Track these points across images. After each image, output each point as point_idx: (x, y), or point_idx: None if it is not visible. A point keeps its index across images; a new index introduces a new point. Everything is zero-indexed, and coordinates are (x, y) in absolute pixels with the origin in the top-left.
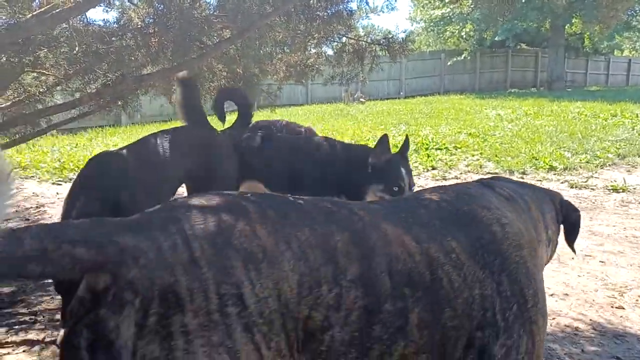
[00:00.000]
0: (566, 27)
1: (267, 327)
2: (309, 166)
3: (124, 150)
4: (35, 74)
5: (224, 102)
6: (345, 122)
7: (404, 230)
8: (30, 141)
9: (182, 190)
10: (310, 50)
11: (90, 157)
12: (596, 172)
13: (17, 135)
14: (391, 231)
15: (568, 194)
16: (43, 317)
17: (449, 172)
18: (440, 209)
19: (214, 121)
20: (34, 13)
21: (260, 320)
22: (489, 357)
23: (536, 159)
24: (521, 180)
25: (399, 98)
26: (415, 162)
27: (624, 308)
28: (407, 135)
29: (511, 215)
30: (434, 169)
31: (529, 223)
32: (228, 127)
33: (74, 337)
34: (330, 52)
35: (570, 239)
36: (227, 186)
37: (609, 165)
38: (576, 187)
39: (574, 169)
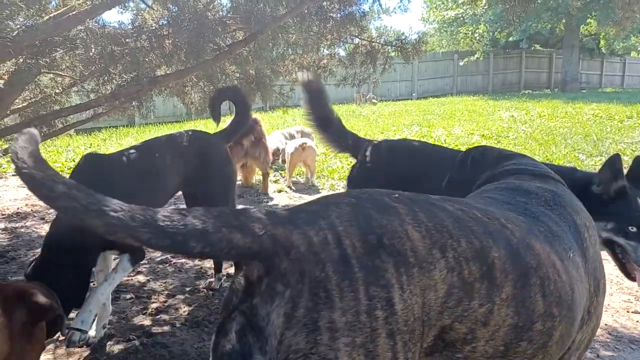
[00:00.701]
0: (581, 28)
1: (408, 336)
2: None
3: (115, 156)
4: (51, 75)
5: (222, 102)
6: (357, 123)
7: (550, 248)
8: (46, 141)
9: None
10: (323, 51)
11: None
12: None
13: None
14: (541, 249)
15: None
16: None
17: None
18: (555, 217)
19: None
20: (51, 15)
21: (404, 328)
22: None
23: (550, 161)
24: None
25: (411, 99)
26: None
27: (639, 313)
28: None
29: (585, 213)
30: None
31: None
32: (223, 129)
33: (227, 322)
34: (342, 53)
35: None
36: (228, 191)
37: (624, 167)
38: None
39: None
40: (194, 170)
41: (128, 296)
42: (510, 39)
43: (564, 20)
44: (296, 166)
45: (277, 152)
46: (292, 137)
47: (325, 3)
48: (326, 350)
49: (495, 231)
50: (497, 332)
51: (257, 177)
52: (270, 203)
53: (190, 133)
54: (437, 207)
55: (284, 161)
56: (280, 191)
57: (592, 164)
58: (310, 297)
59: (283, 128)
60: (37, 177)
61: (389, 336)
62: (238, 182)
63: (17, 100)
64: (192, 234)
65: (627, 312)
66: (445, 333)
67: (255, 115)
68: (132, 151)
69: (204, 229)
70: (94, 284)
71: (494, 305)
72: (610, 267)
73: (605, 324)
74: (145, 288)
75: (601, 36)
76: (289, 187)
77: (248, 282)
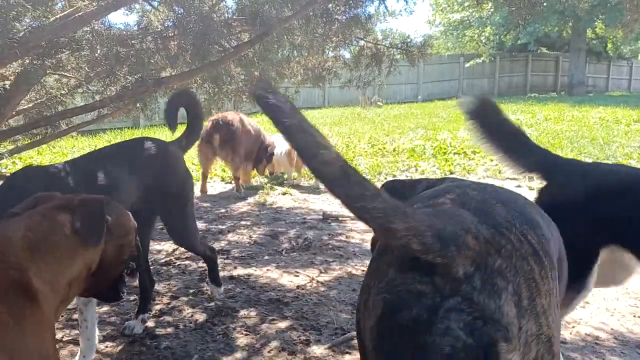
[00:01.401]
0: (588, 31)
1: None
2: None
3: (54, 169)
4: (57, 76)
5: (179, 108)
6: (362, 125)
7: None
8: (51, 142)
9: None
10: (328, 53)
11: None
12: None
13: (38, 136)
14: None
15: None
16: (62, 316)
17: (468, 177)
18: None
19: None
20: (57, 16)
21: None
22: None
23: None
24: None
25: (416, 102)
26: (433, 166)
27: None
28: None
29: None
30: (452, 173)
31: None
32: (178, 138)
33: (431, 322)
34: (347, 55)
35: None
36: (186, 206)
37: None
38: None
39: None
40: (148, 185)
41: (132, 298)
42: (518, 42)
43: (570, 23)
44: (292, 169)
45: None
46: None
47: (330, 5)
48: (547, 330)
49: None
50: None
51: (261, 178)
52: (275, 206)
53: (143, 142)
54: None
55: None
56: (284, 194)
57: None
58: (527, 288)
59: None
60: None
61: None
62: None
63: (22, 101)
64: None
65: (634, 316)
66: None
67: (234, 115)
68: (75, 163)
69: (406, 223)
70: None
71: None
72: None
73: (612, 329)
74: None
75: (608, 39)
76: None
77: (450, 280)
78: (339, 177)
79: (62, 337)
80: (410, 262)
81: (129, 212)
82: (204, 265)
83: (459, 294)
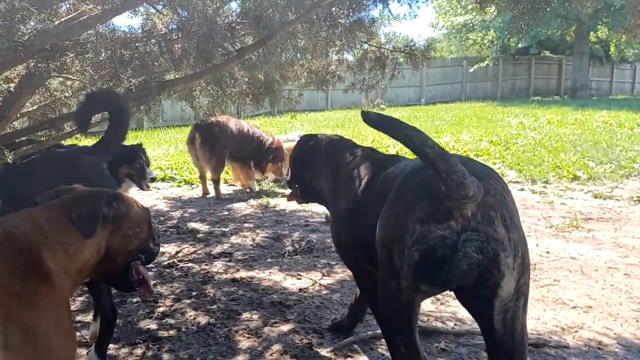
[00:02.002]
0: (591, 34)
1: None
2: None
3: None
4: (61, 79)
5: (95, 111)
6: (365, 128)
7: None
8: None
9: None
10: (332, 57)
11: None
12: (621, 183)
13: (43, 139)
14: None
15: (592, 204)
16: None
17: None
18: None
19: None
20: (62, 20)
21: None
22: None
23: (559, 168)
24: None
25: (419, 105)
26: None
27: None
28: None
29: None
30: None
31: None
32: (93, 145)
33: (456, 245)
34: (351, 58)
35: None
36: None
37: (634, 175)
38: (601, 197)
39: (598, 178)
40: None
41: (134, 300)
42: (520, 45)
43: (574, 27)
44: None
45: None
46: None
47: (334, 9)
48: (522, 234)
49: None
50: None
51: (264, 180)
52: (277, 208)
53: (56, 155)
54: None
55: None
56: None
57: (602, 172)
58: (507, 213)
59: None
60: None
61: None
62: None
63: (26, 104)
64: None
65: (637, 321)
66: None
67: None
68: None
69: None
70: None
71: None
72: (619, 276)
73: (615, 333)
74: None
75: (611, 43)
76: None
77: (462, 220)
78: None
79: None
80: (429, 215)
81: (144, 207)
82: (207, 267)
83: (469, 228)
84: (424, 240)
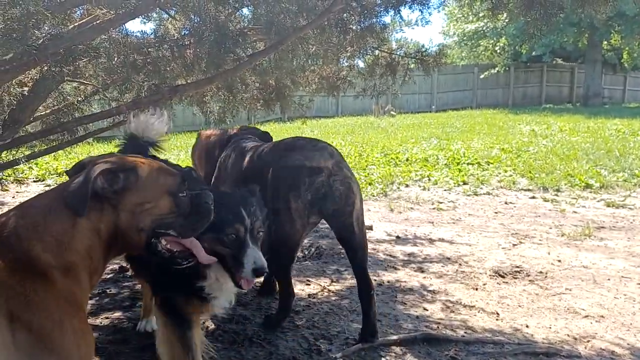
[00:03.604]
0: (604, 42)
1: None
2: None
3: None
4: (74, 84)
5: None
6: (375, 134)
7: None
8: (67, 148)
9: None
10: (343, 63)
11: None
12: (634, 191)
13: (55, 142)
14: None
15: (605, 213)
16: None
17: (481, 188)
18: None
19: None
20: (76, 24)
21: None
22: None
23: (571, 176)
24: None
25: (430, 112)
26: (447, 176)
27: None
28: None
29: None
30: (465, 184)
31: None
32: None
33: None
34: (362, 64)
35: None
36: None
37: None
38: (613, 206)
39: (610, 187)
40: None
41: (138, 303)
42: (533, 53)
43: (586, 35)
44: None
45: None
46: None
47: (345, 15)
48: (356, 178)
49: None
50: None
51: None
52: None
53: None
54: None
55: None
56: None
57: (615, 180)
58: (347, 165)
59: None
60: None
61: None
62: None
63: (40, 108)
64: None
65: None
66: None
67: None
68: None
69: None
70: None
71: None
72: (633, 285)
73: (628, 343)
74: None
75: (624, 51)
76: None
77: (330, 167)
78: None
79: None
80: (311, 171)
81: (170, 173)
82: None
83: (333, 174)
84: (312, 186)
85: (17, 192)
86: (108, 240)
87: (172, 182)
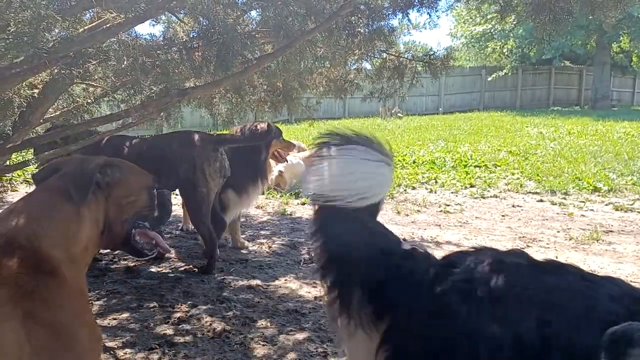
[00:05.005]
0: (613, 45)
1: None
2: None
3: None
4: (84, 86)
5: None
6: (382, 136)
7: None
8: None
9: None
10: (351, 65)
11: None
12: None
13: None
14: None
15: (613, 217)
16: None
17: (488, 190)
18: None
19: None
20: (86, 27)
21: None
22: None
23: (579, 180)
24: None
25: (437, 114)
26: (454, 179)
27: None
28: None
29: None
30: (472, 186)
31: None
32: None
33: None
34: (369, 67)
35: None
36: None
37: None
38: (622, 209)
39: (619, 190)
40: None
41: (151, 305)
42: (543, 57)
43: (595, 37)
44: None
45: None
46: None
47: (353, 18)
48: None
49: None
50: None
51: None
52: (294, 216)
53: None
54: None
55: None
56: (303, 204)
57: (624, 184)
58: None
59: (308, 141)
60: None
61: None
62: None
63: (49, 109)
64: None
65: None
66: None
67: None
68: None
69: None
70: None
71: None
72: None
73: None
74: (168, 297)
75: (633, 53)
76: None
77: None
78: None
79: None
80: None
81: (144, 173)
82: (224, 274)
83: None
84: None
85: (26, 192)
86: (102, 231)
87: (148, 179)
